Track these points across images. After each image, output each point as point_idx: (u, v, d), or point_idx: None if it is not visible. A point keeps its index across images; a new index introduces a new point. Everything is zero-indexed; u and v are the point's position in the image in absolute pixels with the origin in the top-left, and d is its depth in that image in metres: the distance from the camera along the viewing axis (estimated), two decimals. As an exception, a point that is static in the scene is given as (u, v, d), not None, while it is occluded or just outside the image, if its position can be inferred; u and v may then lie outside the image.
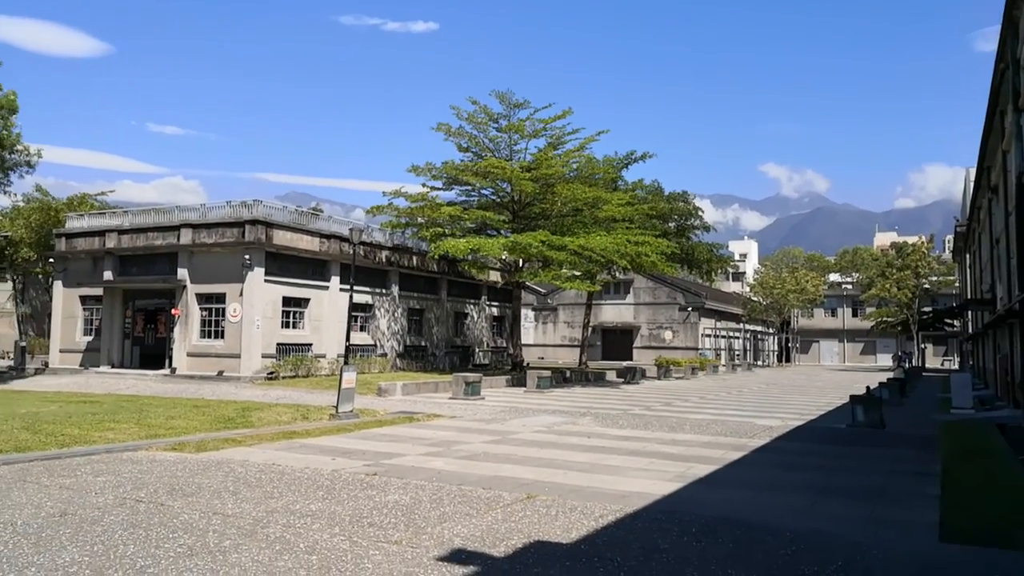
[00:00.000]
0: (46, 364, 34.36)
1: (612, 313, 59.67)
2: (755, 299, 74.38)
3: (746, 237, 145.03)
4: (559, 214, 35.80)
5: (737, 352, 67.57)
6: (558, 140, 36.23)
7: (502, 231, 36.78)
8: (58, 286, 34.67)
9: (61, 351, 33.97)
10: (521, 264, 36.85)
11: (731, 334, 66.62)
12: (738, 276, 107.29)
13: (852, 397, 18.63)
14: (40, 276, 46.96)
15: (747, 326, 70.78)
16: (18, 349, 36.43)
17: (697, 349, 56.06)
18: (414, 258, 38.44)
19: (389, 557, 6.45)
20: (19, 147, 27.89)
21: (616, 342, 59.66)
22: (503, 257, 37.06)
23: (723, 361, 59.37)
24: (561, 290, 55.39)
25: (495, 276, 44.37)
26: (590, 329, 48.38)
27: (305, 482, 9.63)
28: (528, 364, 39.70)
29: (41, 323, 45.99)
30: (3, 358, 42.31)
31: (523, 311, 48.52)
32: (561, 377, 32.96)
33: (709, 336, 60.12)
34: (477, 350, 44.34)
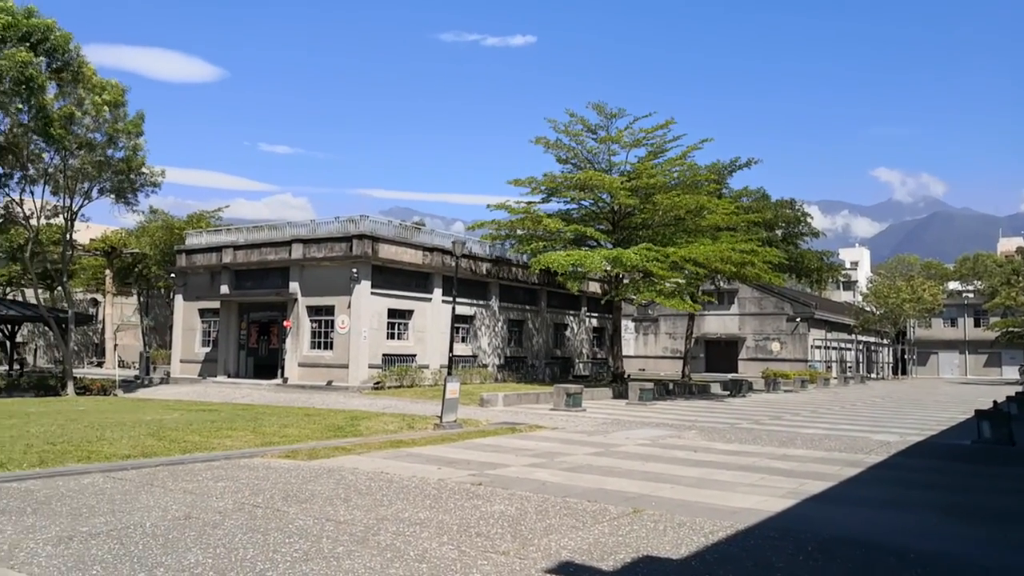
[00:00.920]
0: (168, 374, 36.31)
1: (716, 324, 58.36)
2: (868, 309, 71.23)
3: (857, 244, 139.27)
4: (660, 223, 35.31)
5: (849, 364, 64.84)
6: (659, 149, 35.79)
7: (602, 243, 36.62)
8: (179, 300, 36.62)
9: (181, 361, 35.84)
10: (622, 277, 36.54)
11: (842, 345, 64.01)
12: (849, 285, 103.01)
13: (978, 412, 17.54)
14: (162, 290, 49.73)
15: (859, 337, 67.86)
16: (143, 360, 38.68)
17: (806, 361, 54.12)
18: (514, 270, 38.69)
19: (498, 567, 6.46)
20: (145, 169, 29.64)
21: (720, 354, 58.31)
22: (605, 270, 36.89)
23: (834, 374, 57.07)
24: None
25: (594, 287, 44.15)
26: (693, 340, 47.44)
27: (413, 491, 9.79)
28: (629, 376, 39.26)
29: (164, 335, 48.67)
30: (129, 368, 44.96)
31: (623, 322, 48.10)
32: (664, 389, 32.42)
33: (819, 347, 57.95)
34: (577, 361, 44.19)
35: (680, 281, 34.21)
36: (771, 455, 14.25)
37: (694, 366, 51.11)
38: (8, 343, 36.58)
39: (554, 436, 16.78)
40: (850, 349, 65.99)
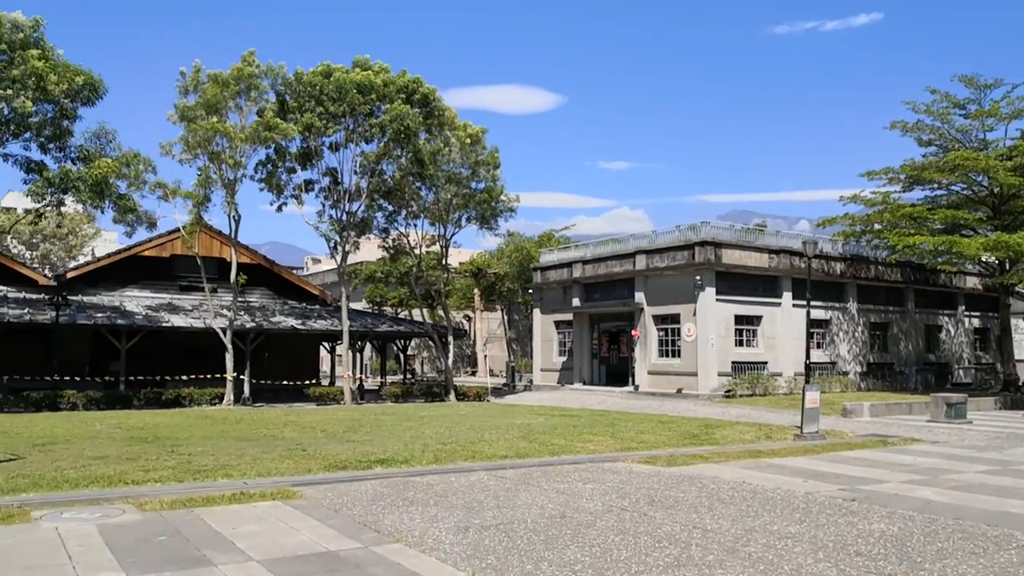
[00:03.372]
0: (531, 382, 39.24)
1: None
2: None
3: None
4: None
5: None
6: (1052, 118, 30.56)
7: (979, 230, 32.22)
8: (536, 313, 39.43)
9: (541, 370, 38.52)
10: (1007, 266, 31.73)
11: None
12: None
13: None
14: (521, 305, 53.94)
15: None
16: (509, 368, 42.32)
17: None
18: (872, 268, 35.58)
19: (884, 591, 5.99)
20: (503, 196, 32.51)
21: None
22: (982, 259, 32.37)
23: None
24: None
25: (972, 282, 38.93)
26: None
27: (778, 503, 9.45)
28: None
29: (523, 345, 52.74)
30: (497, 376, 49.37)
31: (1013, 321, 41.65)
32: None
33: None
34: (955, 367, 39.23)
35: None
36: None
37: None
38: (402, 355, 42.44)
39: (935, 451, 15.08)
40: None
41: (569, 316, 36.35)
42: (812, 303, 23.79)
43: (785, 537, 7.66)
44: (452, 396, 31.26)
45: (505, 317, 55.56)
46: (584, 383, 35.23)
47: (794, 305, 31.72)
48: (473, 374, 53.40)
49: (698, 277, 30.06)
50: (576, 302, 36.03)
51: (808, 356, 22.44)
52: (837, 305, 34.48)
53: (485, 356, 53.69)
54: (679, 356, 31.04)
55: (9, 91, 21.25)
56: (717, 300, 30.21)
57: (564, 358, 37.50)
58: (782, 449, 14.85)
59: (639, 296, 32.72)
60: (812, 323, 25.21)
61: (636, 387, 31.99)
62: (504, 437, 16.05)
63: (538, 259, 41.05)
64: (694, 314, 30.28)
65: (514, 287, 50.08)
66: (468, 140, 30.13)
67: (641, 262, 32.76)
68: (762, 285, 31.91)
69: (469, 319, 56.87)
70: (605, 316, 35.34)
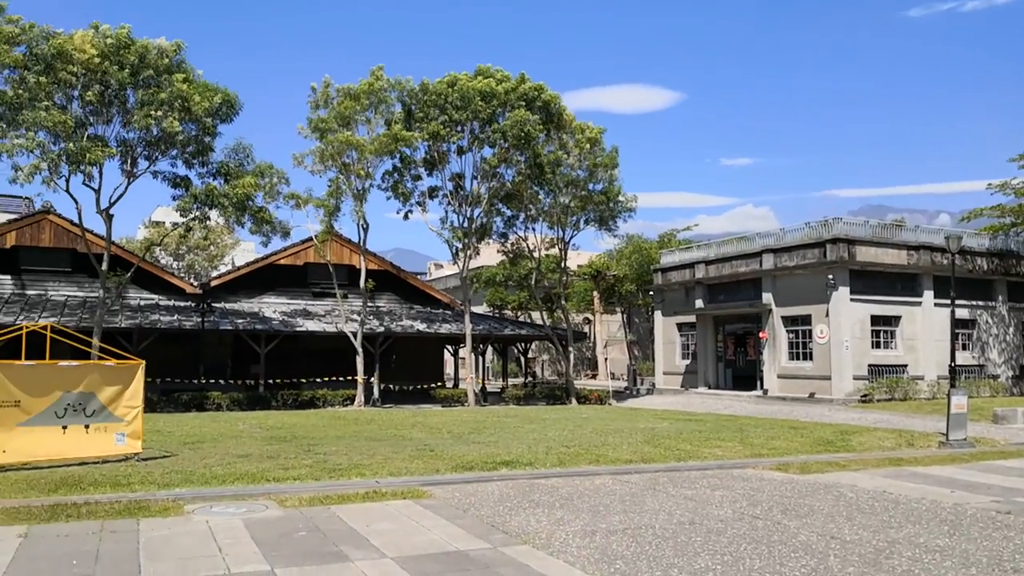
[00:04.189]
0: (653, 385, 38.67)
1: None
2: None
3: None
4: None
5: None
6: None
7: None
8: (658, 315, 38.83)
9: (664, 373, 37.89)
10: None
11: None
12: None
13: None
14: (641, 307, 53.29)
15: None
16: (630, 372, 41.86)
17: None
18: (1025, 263, 33.03)
19: (1049, 613, 5.54)
20: (621, 197, 32.23)
21: None
22: None
23: None
24: None
25: None
26: None
27: (924, 514, 8.91)
28: None
29: (645, 348, 52.04)
30: (618, 380, 48.96)
31: None
32: None
33: None
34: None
35: None
36: None
37: None
38: (522, 358, 42.78)
39: (1104, 461, 13.83)
40: None
41: (692, 318, 35.61)
42: (956, 302, 22.33)
43: (932, 551, 7.22)
44: (573, 399, 31.23)
45: (625, 319, 55.02)
46: (709, 387, 34.41)
47: (936, 304, 29.86)
48: (593, 377, 53.16)
49: (830, 276, 28.79)
50: (699, 303, 35.26)
51: (953, 358, 21.06)
52: (984, 304, 32.19)
53: (605, 359, 53.38)
54: (811, 359, 29.80)
55: (158, 113, 22.86)
56: (851, 300, 28.82)
57: (687, 361, 36.75)
58: (926, 457, 14.01)
59: (766, 296, 31.65)
60: (957, 323, 23.66)
61: (765, 391, 30.95)
62: (628, 441, 15.89)
63: (658, 260, 40.44)
64: (826, 315, 29.01)
65: (634, 289, 49.53)
66: (587, 143, 30.09)
67: (768, 261, 31.69)
68: (900, 283, 30.21)
69: (589, 322, 56.66)
70: (730, 318, 34.40)
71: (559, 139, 30.26)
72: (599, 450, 14.29)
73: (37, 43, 22.00)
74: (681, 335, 37.32)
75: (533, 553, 7.15)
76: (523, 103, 28.30)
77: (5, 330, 13.01)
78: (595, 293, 53.56)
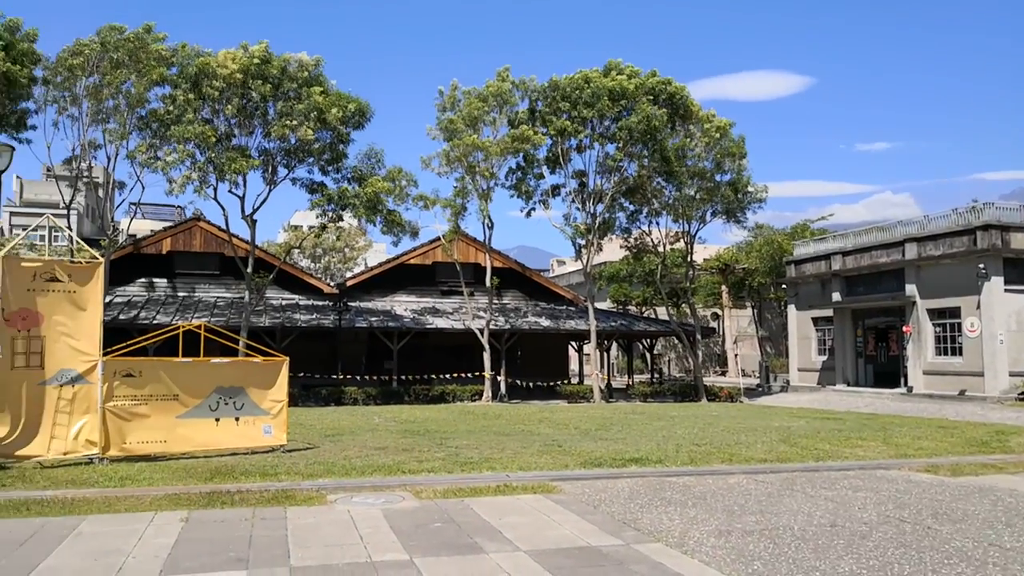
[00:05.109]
0: (787, 382, 37.32)
1: None
2: None
3: None
4: None
5: None
6: None
7: None
8: (791, 309, 37.43)
9: (799, 370, 36.49)
10: None
11: None
12: None
13: None
14: (773, 301, 51.50)
15: None
16: (762, 368, 40.55)
17: None
18: None
19: None
20: (750, 188, 31.26)
21: None
22: None
23: None
24: None
25: None
26: None
27: (1097, 523, 8.19)
28: None
29: (777, 344, 50.28)
30: (749, 376, 47.55)
31: None
32: None
33: None
34: None
35: None
36: None
37: None
38: (648, 354, 42.25)
39: None
40: None
41: (828, 312, 34.11)
42: None
43: (1109, 563, 6.62)
44: (703, 396, 30.58)
45: (756, 314, 53.33)
46: (848, 384, 32.87)
47: (1106, 294, 27.39)
48: (723, 374, 51.83)
49: (981, 265, 26.90)
50: (836, 296, 33.73)
51: None
52: None
53: (735, 355, 51.90)
54: (960, 354, 27.95)
55: (295, 122, 24.08)
56: (1006, 291, 26.84)
57: (824, 357, 35.25)
58: (1098, 461, 12.85)
59: (910, 288, 29.91)
60: None
61: (909, 388, 29.27)
62: (762, 440, 15.41)
63: (791, 252, 38.97)
64: (978, 307, 27.12)
65: (765, 282, 47.93)
66: (716, 133, 29.38)
67: (911, 251, 29.94)
68: (1062, 272, 27.88)
69: (717, 317, 55.29)
70: (870, 311, 32.73)
71: (685, 129, 29.71)
72: (732, 448, 13.94)
73: (188, 62, 23.63)
74: (817, 330, 35.84)
75: (666, 551, 7.06)
76: (649, 97, 27.94)
77: (164, 330, 14.08)
78: (723, 287, 52.22)
